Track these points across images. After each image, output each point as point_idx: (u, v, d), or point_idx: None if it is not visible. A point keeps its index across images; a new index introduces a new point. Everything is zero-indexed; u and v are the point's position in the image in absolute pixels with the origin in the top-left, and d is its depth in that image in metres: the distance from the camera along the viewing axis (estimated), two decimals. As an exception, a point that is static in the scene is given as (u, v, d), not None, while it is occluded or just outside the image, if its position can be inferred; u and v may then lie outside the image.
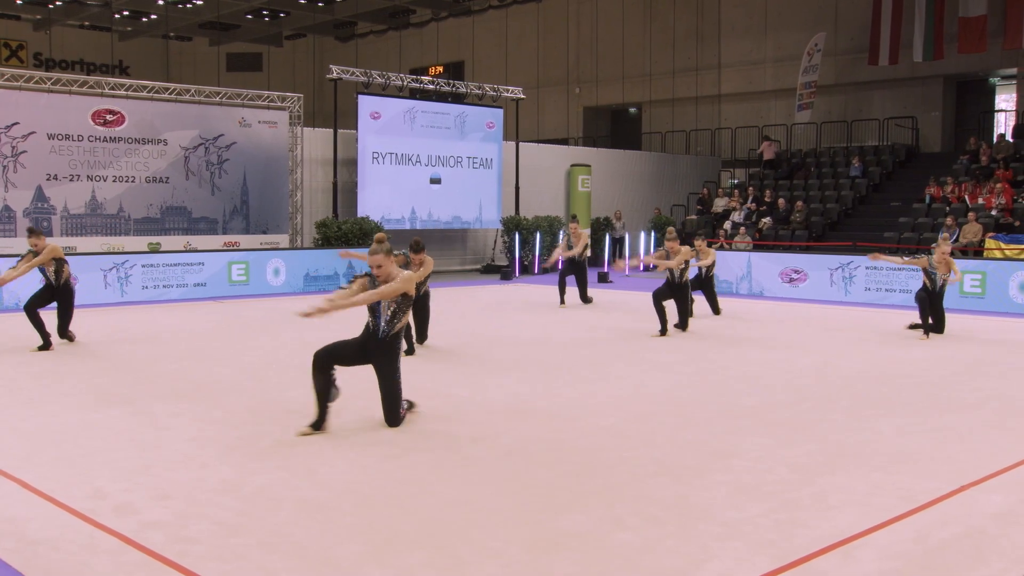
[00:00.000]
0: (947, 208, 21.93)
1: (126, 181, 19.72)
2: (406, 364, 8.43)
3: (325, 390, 7.21)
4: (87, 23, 39.57)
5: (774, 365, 10.59)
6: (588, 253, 17.26)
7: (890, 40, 26.52)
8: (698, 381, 9.64)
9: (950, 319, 14.19)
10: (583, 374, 9.93)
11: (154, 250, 19.44)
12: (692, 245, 14.74)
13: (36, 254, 11.58)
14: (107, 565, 4.62)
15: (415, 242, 11.03)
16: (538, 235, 24.27)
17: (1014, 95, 27.81)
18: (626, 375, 9.95)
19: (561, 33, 36.69)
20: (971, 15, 24.83)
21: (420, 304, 11.63)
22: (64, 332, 11.87)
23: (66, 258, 11.97)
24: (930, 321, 12.72)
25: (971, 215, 20.52)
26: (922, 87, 28.28)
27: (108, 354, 11.10)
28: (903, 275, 17.10)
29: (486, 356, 11.16)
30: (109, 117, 19.49)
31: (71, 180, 19.04)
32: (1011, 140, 24.50)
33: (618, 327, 13.83)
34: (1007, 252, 19.02)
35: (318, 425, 7.20)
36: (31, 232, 11.78)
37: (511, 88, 26.02)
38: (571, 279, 16.83)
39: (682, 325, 13.41)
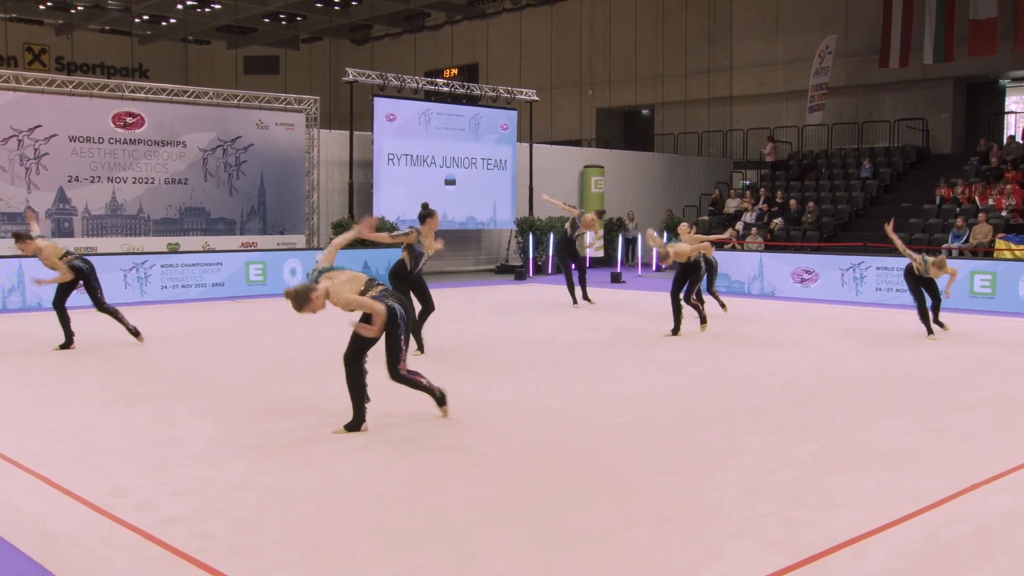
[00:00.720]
0: (957, 209, 21.85)
1: (145, 182, 19.82)
2: (417, 364, 8.46)
3: (361, 389, 7.19)
4: (108, 27, 39.73)
5: (779, 365, 10.57)
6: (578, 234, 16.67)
7: (900, 42, 26.40)
8: (703, 381, 9.63)
9: (960, 319, 14.18)
10: (590, 374, 9.93)
11: (173, 250, 19.52)
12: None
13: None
14: (126, 560, 4.66)
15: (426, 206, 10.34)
16: (552, 235, 24.26)
17: (1024, 97, 27.74)
18: (632, 375, 9.95)
19: (574, 36, 36.68)
20: (981, 17, 24.68)
21: (419, 291, 11.05)
22: (100, 306, 11.71)
23: (67, 253, 11.65)
24: (929, 307, 12.66)
25: (981, 216, 20.45)
26: (932, 89, 28.15)
27: (127, 353, 11.16)
28: (913, 276, 17.05)
29: (495, 355, 11.17)
30: (129, 119, 19.59)
31: (92, 182, 19.14)
32: (1021, 142, 24.32)
33: (625, 327, 13.81)
34: (1017, 253, 18.94)
35: (356, 425, 7.20)
36: (17, 238, 11.40)
37: (525, 90, 26.04)
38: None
39: (700, 314, 13.33)
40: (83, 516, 5.29)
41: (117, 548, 4.81)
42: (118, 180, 19.47)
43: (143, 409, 8.04)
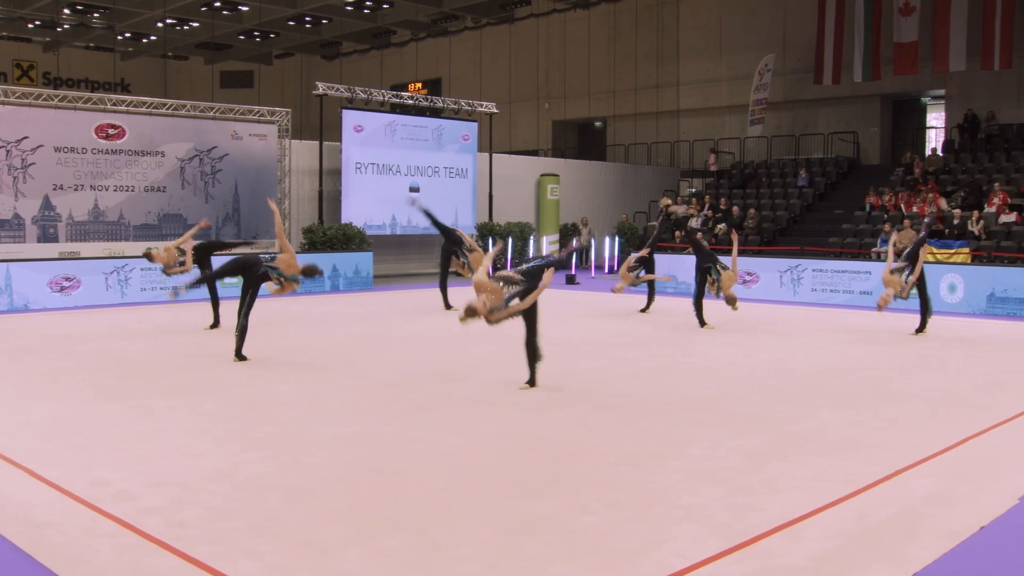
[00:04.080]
0: (885, 216, 22.10)
1: (126, 190, 19.55)
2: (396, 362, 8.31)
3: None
4: (92, 44, 39.33)
5: (728, 361, 10.61)
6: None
7: (833, 62, 26.70)
8: (657, 375, 9.65)
9: (890, 317, 14.33)
10: (550, 369, 9.88)
11: (152, 254, 19.25)
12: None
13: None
14: (107, 547, 4.60)
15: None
16: (510, 240, 24.24)
17: (943, 114, 28.03)
18: (590, 370, 9.95)
19: (531, 52, 36.67)
20: (904, 40, 25.07)
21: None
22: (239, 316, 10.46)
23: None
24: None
25: (906, 222, 20.69)
26: (862, 105, 28.47)
27: (109, 351, 10.99)
28: (846, 277, 17.23)
29: (461, 353, 11.12)
30: (111, 131, 19.32)
31: (76, 190, 18.85)
32: (941, 155, 24.77)
33: (580, 326, 13.83)
34: (938, 256, 19.23)
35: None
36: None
37: (485, 103, 25.98)
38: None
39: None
40: (66, 506, 5.20)
41: (98, 536, 4.74)
42: (100, 188, 19.19)
43: (125, 405, 7.90)
